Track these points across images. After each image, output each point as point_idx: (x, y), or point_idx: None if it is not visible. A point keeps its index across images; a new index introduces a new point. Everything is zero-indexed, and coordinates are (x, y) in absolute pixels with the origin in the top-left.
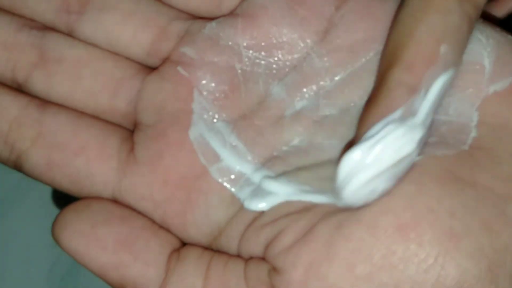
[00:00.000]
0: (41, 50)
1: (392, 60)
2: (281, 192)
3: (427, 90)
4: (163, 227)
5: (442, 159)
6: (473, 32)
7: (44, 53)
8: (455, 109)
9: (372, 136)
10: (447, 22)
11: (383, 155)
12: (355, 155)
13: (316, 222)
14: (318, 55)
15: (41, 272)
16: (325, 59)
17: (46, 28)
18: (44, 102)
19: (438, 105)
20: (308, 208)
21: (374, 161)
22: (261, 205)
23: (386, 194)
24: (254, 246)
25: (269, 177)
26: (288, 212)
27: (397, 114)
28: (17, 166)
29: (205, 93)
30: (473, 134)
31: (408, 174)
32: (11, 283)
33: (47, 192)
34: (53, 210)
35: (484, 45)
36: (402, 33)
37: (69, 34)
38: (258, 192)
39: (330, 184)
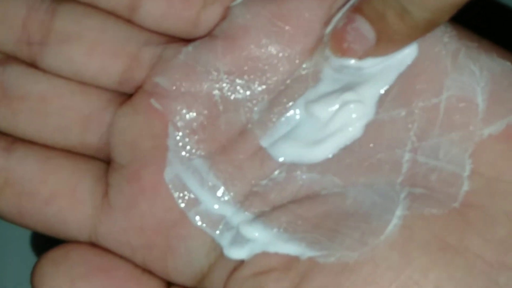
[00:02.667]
0: (3, 86)
1: None
2: (259, 239)
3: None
4: (146, 270)
5: (430, 221)
6: (467, 62)
7: (7, 90)
8: (446, 153)
9: None
10: None
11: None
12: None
13: (298, 284)
14: (304, 74)
15: None
16: (311, 79)
17: (8, 59)
18: (10, 142)
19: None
20: (288, 265)
21: None
22: (240, 254)
23: (371, 262)
24: None
25: (246, 222)
26: (269, 266)
27: None
28: None
29: (181, 127)
30: (465, 187)
31: (393, 238)
32: (11, 283)
33: None
34: None
35: (478, 79)
36: None
37: (33, 65)
38: (237, 239)
39: (306, 226)
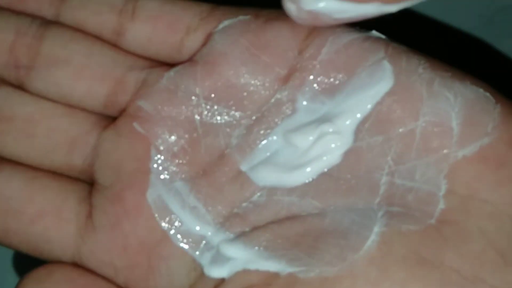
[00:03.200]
0: None
1: None
2: (239, 258)
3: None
4: None
5: (407, 236)
6: (441, 90)
7: None
8: (422, 175)
9: None
10: None
11: None
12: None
13: None
14: (281, 102)
15: None
16: (287, 107)
17: None
18: None
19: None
20: (268, 281)
21: None
22: (220, 272)
23: (350, 276)
24: None
25: (227, 241)
26: (250, 283)
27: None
28: None
29: (162, 150)
30: (441, 205)
31: (371, 253)
32: (11, 283)
33: None
34: None
35: (452, 105)
36: None
37: (20, 87)
38: (217, 258)
39: (286, 244)
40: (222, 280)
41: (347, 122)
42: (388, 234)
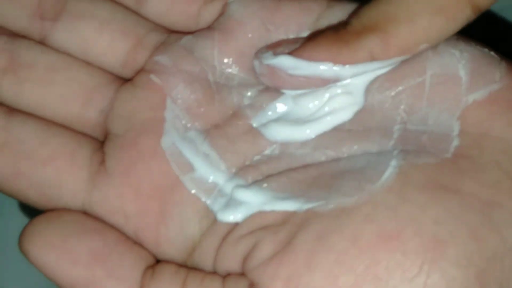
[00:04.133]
0: (12, 55)
1: (375, 24)
2: (253, 201)
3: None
4: (137, 243)
5: (424, 167)
6: (446, 47)
7: (15, 59)
8: (435, 120)
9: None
10: (443, 28)
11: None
12: (287, 62)
13: (295, 233)
14: None
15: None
16: None
17: (18, 35)
18: (11, 109)
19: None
20: (285, 219)
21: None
22: (234, 216)
23: (369, 204)
24: (231, 261)
25: (241, 186)
26: (265, 224)
27: (347, 72)
28: None
29: (178, 101)
30: (455, 143)
31: (390, 182)
32: (11, 283)
33: None
34: None
35: (458, 58)
36: (399, 5)
37: (42, 42)
38: (231, 203)
39: (302, 186)
40: (236, 225)
41: (357, 84)
42: (405, 166)
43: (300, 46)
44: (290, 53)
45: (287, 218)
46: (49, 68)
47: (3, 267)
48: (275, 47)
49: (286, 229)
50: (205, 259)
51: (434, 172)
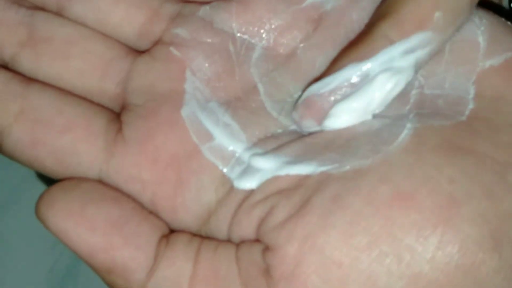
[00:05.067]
0: (30, 28)
1: (384, 13)
2: (268, 167)
3: (409, 51)
4: (153, 212)
5: (440, 129)
6: None
7: (33, 32)
8: (451, 84)
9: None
10: None
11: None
12: (315, 87)
13: (310, 195)
14: (312, 43)
15: (41, 272)
16: (317, 50)
17: (36, 7)
18: (28, 78)
19: (417, 71)
20: (299, 182)
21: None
22: (251, 183)
23: (385, 164)
24: (245, 227)
25: (257, 154)
26: (280, 188)
27: (372, 63)
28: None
29: (198, 73)
30: (471, 105)
31: (405, 144)
32: (11, 283)
33: None
34: None
35: (478, 25)
36: None
37: (59, 14)
38: (247, 170)
39: (316, 149)
40: (250, 193)
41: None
42: (420, 128)
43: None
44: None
45: (301, 181)
46: (66, 41)
47: (3, 267)
48: (310, 115)
49: (301, 192)
50: (220, 226)
51: (449, 134)
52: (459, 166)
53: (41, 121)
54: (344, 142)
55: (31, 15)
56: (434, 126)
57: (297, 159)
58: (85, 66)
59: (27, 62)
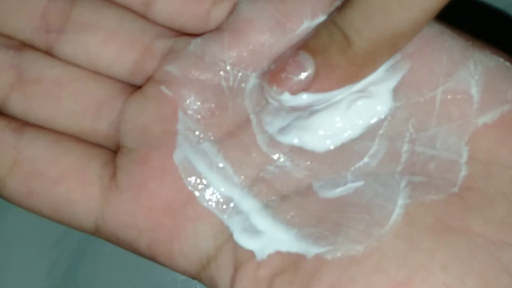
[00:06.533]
0: (19, 70)
1: (381, 34)
2: (269, 233)
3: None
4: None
5: (431, 206)
6: (461, 58)
7: (22, 74)
8: (443, 142)
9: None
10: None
11: None
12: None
13: (309, 284)
14: None
15: (41, 272)
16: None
17: (24, 46)
18: (21, 125)
19: None
20: (297, 265)
21: None
22: (252, 244)
23: (377, 252)
24: None
25: (256, 211)
26: (282, 268)
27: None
28: None
29: (190, 112)
30: (463, 172)
31: (397, 227)
32: (11, 283)
33: None
34: None
35: (472, 73)
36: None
37: (49, 53)
38: (248, 227)
39: (312, 220)
40: (250, 254)
41: (380, 89)
42: (412, 206)
43: (314, 80)
44: (307, 91)
45: (298, 263)
46: (56, 82)
47: (3, 267)
48: (277, 79)
49: (299, 280)
50: (221, 274)
51: (442, 211)
52: (452, 250)
53: (35, 173)
54: (337, 218)
55: (19, 56)
56: (425, 202)
57: (295, 231)
58: (76, 107)
59: (17, 105)
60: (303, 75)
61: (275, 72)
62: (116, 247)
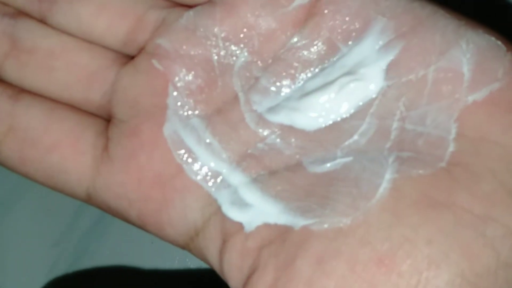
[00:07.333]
0: (13, 39)
1: None
2: (257, 206)
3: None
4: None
5: (418, 181)
6: (454, 36)
7: (16, 43)
8: (433, 120)
9: None
10: None
11: None
12: None
13: (295, 255)
14: (298, 47)
15: (41, 272)
16: (304, 52)
17: (20, 13)
18: (17, 92)
19: None
20: (284, 236)
21: None
22: (240, 217)
23: (363, 225)
24: (236, 273)
25: (245, 185)
26: (269, 239)
27: None
28: None
29: (180, 87)
30: (451, 148)
31: (383, 200)
32: (11, 283)
33: (47, 192)
34: (53, 210)
35: (464, 51)
36: None
37: (43, 22)
38: (236, 200)
39: (300, 194)
40: (239, 225)
41: (371, 70)
42: (399, 180)
43: None
44: None
45: (286, 234)
46: (50, 53)
47: (3, 267)
48: None
49: (286, 251)
50: (208, 245)
51: (428, 186)
52: (437, 224)
53: (29, 140)
54: (325, 192)
55: (14, 24)
56: (412, 176)
57: (282, 204)
58: (69, 78)
59: (12, 73)
60: None
61: None
62: (115, 247)
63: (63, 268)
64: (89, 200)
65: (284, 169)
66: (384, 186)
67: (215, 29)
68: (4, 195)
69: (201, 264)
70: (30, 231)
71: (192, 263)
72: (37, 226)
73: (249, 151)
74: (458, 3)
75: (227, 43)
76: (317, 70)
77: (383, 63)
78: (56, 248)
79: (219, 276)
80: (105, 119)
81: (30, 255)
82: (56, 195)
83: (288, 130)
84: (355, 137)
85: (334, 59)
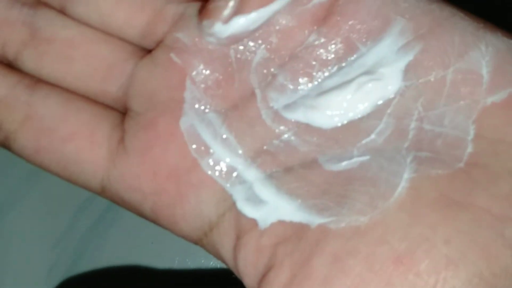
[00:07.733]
0: (32, 28)
1: None
2: (272, 203)
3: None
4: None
5: (436, 180)
6: (473, 39)
7: (35, 32)
8: (451, 121)
9: None
10: None
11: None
12: None
13: (311, 253)
14: (316, 45)
15: (41, 272)
16: (322, 50)
17: (39, 3)
18: (34, 81)
19: None
20: (300, 234)
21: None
22: (254, 214)
23: (381, 224)
24: (251, 271)
25: (260, 181)
26: (284, 237)
27: None
28: (6, 146)
29: (197, 81)
30: (469, 149)
31: (402, 200)
32: (11, 283)
33: (47, 192)
34: (53, 210)
35: (483, 54)
36: None
37: (62, 12)
38: (251, 197)
39: (317, 192)
40: (253, 222)
41: (389, 69)
42: (417, 180)
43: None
44: (242, 13)
45: (302, 232)
46: (68, 43)
47: (3, 267)
48: (206, 11)
49: (302, 249)
50: (222, 241)
51: (446, 186)
52: (455, 224)
53: (45, 129)
54: (342, 190)
55: (34, 14)
56: (431, 176)
57: (298, 202)
58: (87, 69)
59: (30, 62)
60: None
61: (202, 6)
62: (115, 247)
63: (63, 268)
64: (103, 192)
65: (299, 167)
66: (402, 185)
67: None
68: (4, 196)
69: (201, 264)
70: (30, 231)
71: (192, 263)
72: (37, 227)
73: (264, 147)
74: (458, 3)
75: (245, 39)
76: (334, 69)
77: (401, 63)
78: (56, 248)
79: (219, 276)
80: (121, 111)
81: (30, 256)
82: (56, 196)
83: (304, 128)
84: (372, 136)
85: (352, 58)
